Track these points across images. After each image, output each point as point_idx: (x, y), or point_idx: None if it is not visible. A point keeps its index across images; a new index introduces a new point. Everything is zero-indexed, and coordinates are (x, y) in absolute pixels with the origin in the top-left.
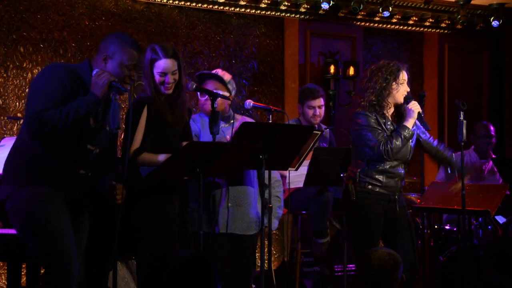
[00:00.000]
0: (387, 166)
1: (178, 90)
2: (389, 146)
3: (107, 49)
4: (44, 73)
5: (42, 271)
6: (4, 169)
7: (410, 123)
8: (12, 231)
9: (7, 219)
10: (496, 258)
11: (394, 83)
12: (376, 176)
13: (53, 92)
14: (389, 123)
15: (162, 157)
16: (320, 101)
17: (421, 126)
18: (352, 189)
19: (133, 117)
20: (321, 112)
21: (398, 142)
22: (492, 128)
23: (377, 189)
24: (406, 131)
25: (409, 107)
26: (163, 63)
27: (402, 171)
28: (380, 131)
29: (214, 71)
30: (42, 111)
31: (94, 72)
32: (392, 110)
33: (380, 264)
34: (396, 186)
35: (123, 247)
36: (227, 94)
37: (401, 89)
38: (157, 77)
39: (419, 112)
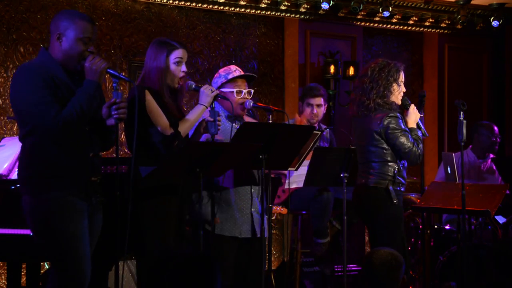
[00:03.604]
0: (407, 165)
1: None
2: (419, 150)
3: (58, 27)
4: (26, 81)
5: (42, 271)
6: (18, 177)
7: (414, 125)
8: (12, 231)
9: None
10: (498, 259)
11: (395, 84)
12: (405, 176)
13: (48, 93)
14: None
15: (190, 115)
16: (320, 100)
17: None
18: (392, 192)
19: (139, 104)
20: (319, 111)
21: (421, 146)
22: (496, 128)
23: (403, 189)
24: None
25: (411, 112)
26: (181, 52)
27: None
28: (408, 134)
29: (234, 69)
30: (56, 115)
31: (88, 59)
32: None
33: (382, 264)
34: None
35: (123, 247)
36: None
37: (400, 90)
38: (173, 67)
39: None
